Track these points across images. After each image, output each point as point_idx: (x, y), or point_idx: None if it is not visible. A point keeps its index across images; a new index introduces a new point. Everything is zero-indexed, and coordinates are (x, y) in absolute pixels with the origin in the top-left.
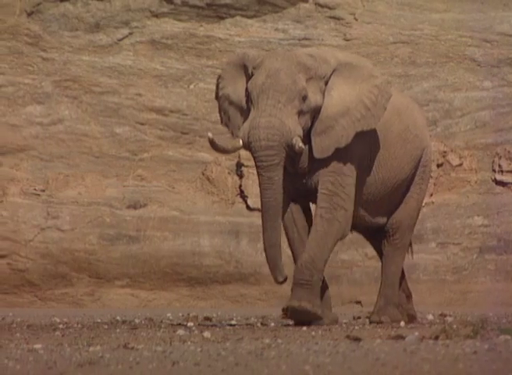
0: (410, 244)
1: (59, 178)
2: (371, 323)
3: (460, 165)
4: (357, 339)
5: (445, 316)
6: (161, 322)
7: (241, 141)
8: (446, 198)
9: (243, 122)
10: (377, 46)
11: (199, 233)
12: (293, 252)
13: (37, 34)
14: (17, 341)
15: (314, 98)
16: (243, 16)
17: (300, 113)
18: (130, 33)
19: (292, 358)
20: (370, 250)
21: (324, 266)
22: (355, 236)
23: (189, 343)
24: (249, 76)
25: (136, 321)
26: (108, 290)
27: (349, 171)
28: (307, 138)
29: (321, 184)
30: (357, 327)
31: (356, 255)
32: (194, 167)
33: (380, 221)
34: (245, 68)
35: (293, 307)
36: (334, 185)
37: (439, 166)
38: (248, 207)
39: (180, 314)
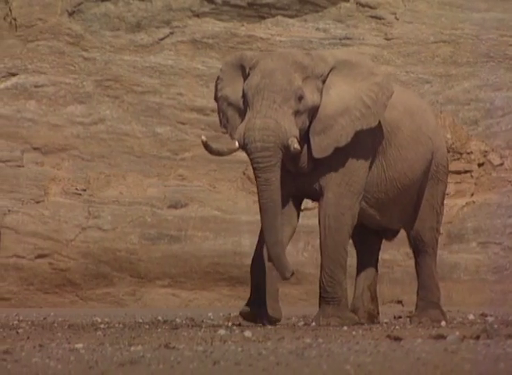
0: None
1: (100, 178)
2: (411, 323)
3: (501, 164)
4: (398, 338)
5: (486, 315)
6: (202, 322)
7: (237, 143)
8: (487, 198)
9: (240, 123)
10: (418, 45)
11: (240, 232)
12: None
13: (79, 34)
14: (59, 340)
15: (310, 97)
16: (284, 15)
17: (297, 113)
18: (171, 33)
19: (333, 358)
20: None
21: (345, 273)
22: None
23: (230, 342)
24: (246, 77)
25: (178, 321)
26: (150, 289)
27: (359, 165)
28: (305, 138)
29: (327, 188)
30: (397, 327)
31: (397, 255)
32: (235, 167)
33: (394, 226)
34: (242, 68)
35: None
36: (340, 186)
37: (480, 165)
38: None
39: (221, 314)
